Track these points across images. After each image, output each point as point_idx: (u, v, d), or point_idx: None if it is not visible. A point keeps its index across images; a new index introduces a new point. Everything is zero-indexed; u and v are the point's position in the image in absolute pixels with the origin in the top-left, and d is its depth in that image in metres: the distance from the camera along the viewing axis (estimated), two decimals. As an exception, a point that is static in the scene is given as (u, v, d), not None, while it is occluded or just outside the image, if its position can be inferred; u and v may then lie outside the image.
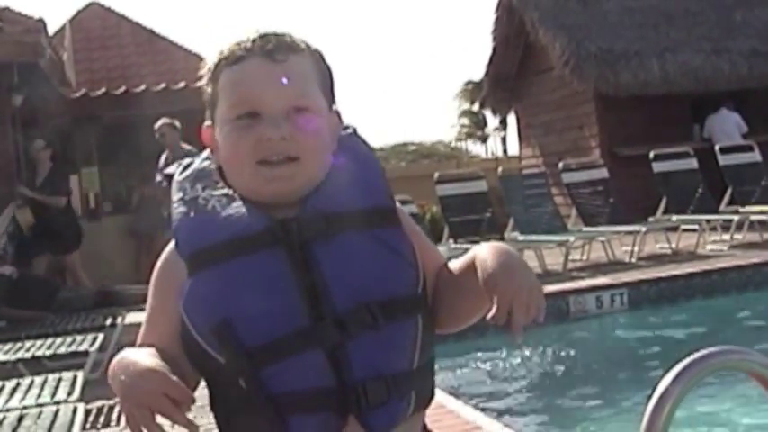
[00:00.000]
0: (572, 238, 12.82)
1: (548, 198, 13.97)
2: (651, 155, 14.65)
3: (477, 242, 11.75)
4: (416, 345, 1.89)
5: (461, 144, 64.37)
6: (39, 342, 8.21)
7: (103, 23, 20.24)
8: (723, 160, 14.96)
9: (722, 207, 14.37)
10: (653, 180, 14.48)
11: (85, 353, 7.59)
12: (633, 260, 12.67)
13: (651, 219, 13.83)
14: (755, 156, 15.10)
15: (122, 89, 15.93)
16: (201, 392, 1.93)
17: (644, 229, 12.98)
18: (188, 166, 2.04)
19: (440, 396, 6.12)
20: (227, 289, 1.83)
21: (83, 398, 5.66)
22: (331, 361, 1.81)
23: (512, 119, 27.20)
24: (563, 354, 9.11)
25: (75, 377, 6.26)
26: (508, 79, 22.35)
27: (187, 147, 12.97)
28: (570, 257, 12.69)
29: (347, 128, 2.07)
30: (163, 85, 15.86)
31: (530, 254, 12.78)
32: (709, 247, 13.30)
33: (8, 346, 8.34)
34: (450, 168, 25.23)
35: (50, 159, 13.26)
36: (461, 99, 64.82)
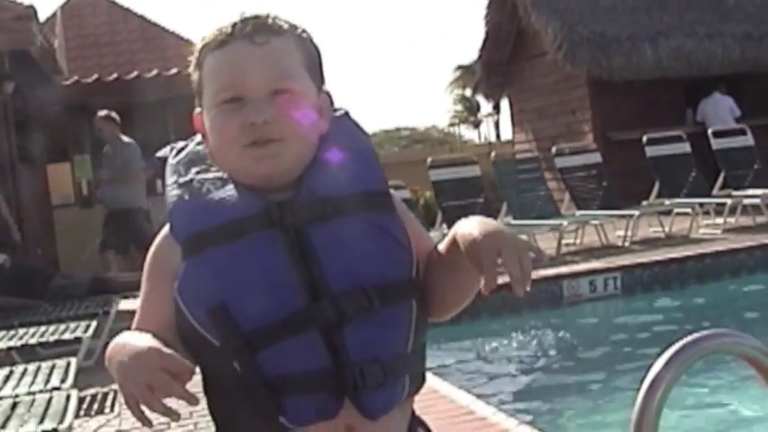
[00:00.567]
0: (565, 223, 12.82)
1: (541, 183, 13.97)
2: (644, 139, 14.65)
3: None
4: (411, 328, 1.89)
5: (454, 129, 64.29)
6: (32, 330, 8.21)
7: (95, 10, 20.19)
8: (716, 144, 14.98)
9: (715, 191, 14.41)
10: (646, 164, 14.49)
11: (79, 340, 7.59)
12: (626, 244, 12.68)
13: (644, 203, 13.85)
14: (748, 139, 15.11)
15: (114, 76, 15.89)
16: (195, 378, 1.93)
17: (637, 213, 12.99)
18: (182, 149, 2.04)
19: (432, 381, 6.13)
20: (224, 272, 1.83)
21: (76, 385, 5.67)
22: (327, 343, 1.81)
23: (505, 104, 27.16)
24: (556, 338, 9.13)
25: (68, 364, 6.26)
26: (501, 64, 22.34)
27: (126, 139, 13.01)
28: (564, 242, 12.70)
29: (338, 110, 2.06)
30: (155, 72, 15.82)
31: (523, 238, 12.77)
32: (702, 230, 13.31)
33: (1, 334, 8.33)
34: (444, 153, 25.25)
35: None
36: (454, 84, 64.72)
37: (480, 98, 35.31)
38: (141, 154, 12.74)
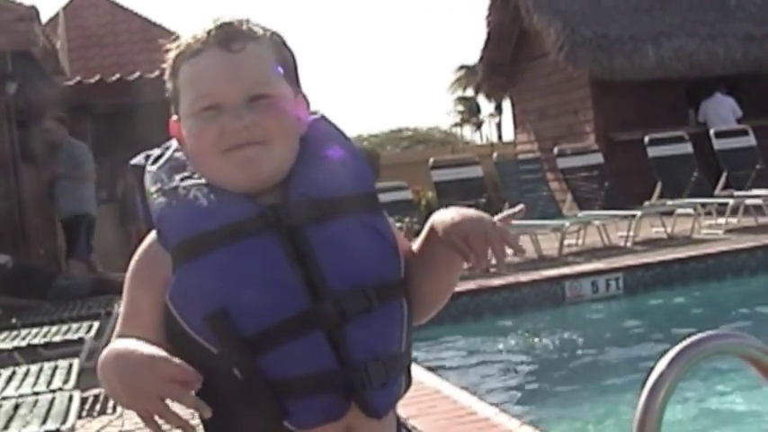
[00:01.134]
0: (567, 223, 12.83)
1: (543, 183, 13.99)
2: (646, 140, 14.66)
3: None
4: (404, 327, 1.91)
5: (456, 130, 64.32)
6: (34, 330, 8.21)
7: (97, 11, 20.20)
8: (718, 144, 14.98)
9: (717, 191, 14.39)
10: (648, 165, 14.49)
11: (81, 341, 7.58)
12: (628, 245, 12.67)
13: (646, 203, 13.83)
14: (750, 140, 15.11)
15: (116, 77, 15.90)
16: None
17: (639, 213, 12.98)
18: (159, 156, 2.01)
19: (434, 381, 6.13)
20: (220, 277, 1.81)
21: (79, 386, 5.67)
22: (331, 343, 1.81)
23: (507, 104, 27.17)
24: (559, 338, 9.12)
25: (70, 365, 6.26)
26: (503, 65, 22.35)
27: (78, 142, 12.91)
28: (566, 242, 12.69)
29: (315, 113, 2.06)
30: (157, 73, 15.80)
31: (525, 239, 12.78)
32: (704, 231, 13.30)
33: (4, 334, 8.33)
34: (446, 154, 25.24)
35: None
36: (456, 85, 64.76)
37: (482, 99, 35.34)
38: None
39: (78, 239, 12.78)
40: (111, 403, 6.75)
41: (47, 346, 7.66)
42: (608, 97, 18.96)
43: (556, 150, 14.61)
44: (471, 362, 8.60)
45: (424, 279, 1.99)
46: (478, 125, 65.39)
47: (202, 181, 1.92)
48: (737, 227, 13.37)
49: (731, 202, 13.54)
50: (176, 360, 1.70)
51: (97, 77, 16.03)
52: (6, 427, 4.95)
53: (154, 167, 1.98)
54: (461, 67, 62.01)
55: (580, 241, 13.39)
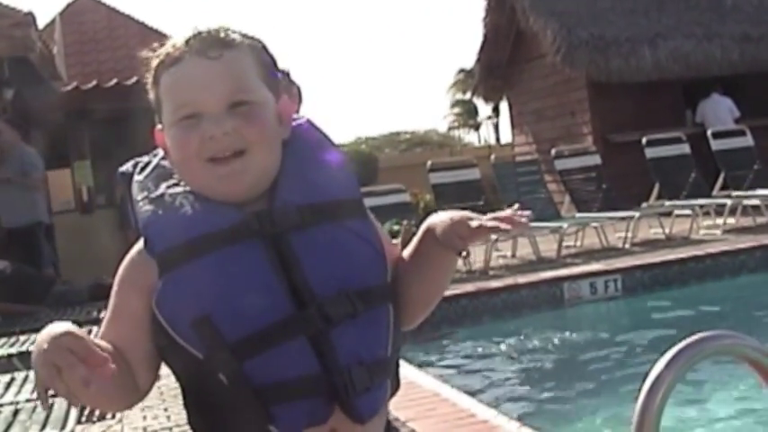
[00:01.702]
0: (565, 225, 12.83)
1: (541, 185, 13.99)
2: (643, 141, 14.67)
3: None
4: (390, 333, 1.92)
5: (454, 132, 64.34)
6: (33, 336, 8.20)
7: (94, 17, 20.21)
8: (715, 145, 14.99)
9: (715, 192, 14.41)
10: (646, 166, 14.50)
11: (80, 346, 7.57)
12: (627, 246, 12.68)
13: (644, 204, 13.84)
14: (748, 140, 15.12)
15: (114, 81, 15.90)
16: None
17: (637, 214, 12.99)
18: (146, 165, 2.03)
19: (434, 384, 6.13)
20: (205, 283, 1.82)
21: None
22: (315, 348, 1.82)
23: (504, 106, 27.19)
24: (557, 340, 9.12)
25: (69, 371, 6.25)
26: (500, 67, 22.36)
27: (29, 148, 12.54)
28: (564, 244, 12.70)
29: (299, 118, 2.08)
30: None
31: (523, 241, 12.80)
32: (702, 231, 13.31)
33: (3, 340, 8.35)
34: (443, 156, 25.30)
35: None
36: (454, 88, 64.79)
37: (479, 101, 35.37)
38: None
39: (41, 249, 12.50)
40: (110, 408, 6.73)
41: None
42: (605, 99, 18.96)
43: (553, 152, 14.62)
44: (470, 364, 8.60)
45: (415, 282, 2.02)
46: (476, 127, 65.40)
47: (188, 189, 1.93)
48: (736, 227, 13.38)
49: (729, 202, 13.54)
50: (82, 335, 1.67)
51: (94, 83, 16.03)
52: (6, 432, 4.96)
53: (141, 176, 2.00)
54: (461, 71, 62.05)
55: (578, 243, 13.40)
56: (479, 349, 9.04)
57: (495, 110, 53.62)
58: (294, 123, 2.04)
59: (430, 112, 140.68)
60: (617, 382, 7.41)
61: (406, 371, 6.37)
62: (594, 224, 13.15)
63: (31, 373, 6.33)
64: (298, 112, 2.12)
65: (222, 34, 1.94)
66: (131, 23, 20.05)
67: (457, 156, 24.00)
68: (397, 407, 5.42)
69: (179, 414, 1.86)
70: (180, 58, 1.92)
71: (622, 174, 15.70)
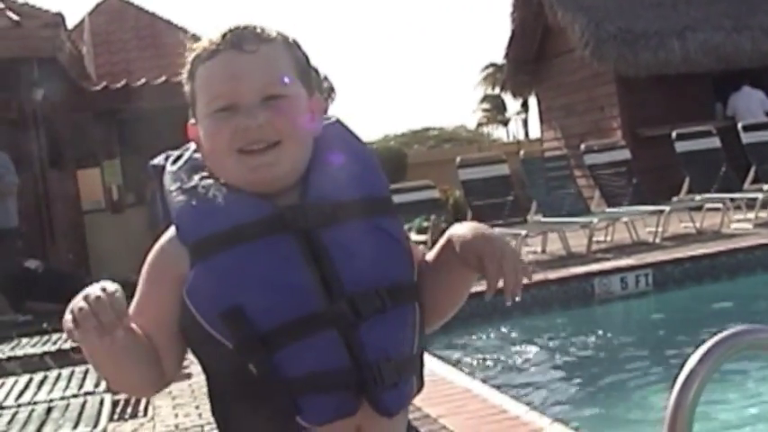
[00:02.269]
0: (595, 220, 12.78)
1: (570, 180, 13.93)
2: (673, 134, 14.57)
3: (499, 226, 11.83)
4: (416, 330, 1.93)
5: (483, 128, 64.25)
6: (65, 335, 8.24)
7: (122, 16, 20.29)
8: (746, 138, 14.88)
9: (746, 185, 14.29)
10: (676, 160, 14.41)
11: (111, 344, 7.60)
12: (657, 241, 12.61)
13: (675, 199, 13.77)
14: (779, 133, 15.00)
15: (142, 81, 15.96)
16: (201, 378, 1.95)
17: (668, 209, 12.92)
18: (179, 157, 2.05)
19: (465, 380, 6.13)
20: (237, 274, 1.84)
21: (110, 389, 5.69)
22: (345, 343, 1.83)
23: (533, 102, 27.13)
24: (588, 336, 9.09)
25: (101, 369, 6.28)
26: (528, 62, 22.29)
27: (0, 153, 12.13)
28: (594, 239, 12.65)
29: (329, 118, 2.10)
30: (183, 76, 15.81)
31: (553, 236, 12.76)
32: (733, 225, 13.22)
33: (35, 339, 8.39)
34: (472, 152, 25.21)
35: None
36: (483, 83, 64.72)
37: (508, 97, 35.28)
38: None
39: (10, 255, 12.26)
40: (142, 406, 6.78)
41: (77, 349, 7.67)
42: (634, 93, 18.87)
43: (583, 147, 14.55)
44: (500, 360, 8.58)
45: (437, 287, 2.02)
46: (505, 123, 65.29)
47: (220, 181, 1.95)
48: (767, 221, 13.28)
49: (760, 196, 13.43)
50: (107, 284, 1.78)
51: (123, 82, 16.10)
52: (39, 430, 4.99)
53: (174, 167, 2.02)
54: (490, 65, 61.96)
55: (608, 238, 13.34)
56: (509, 345, 9.02)
57: (524, 105, 53.54)
58: (325, 122, 2.06)
59: (458, 108, 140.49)
60: (648, 378, 7.38)
61: (437, 367, 6.37)
62: (625, 219, 13.09)
63: (64, 371, 6.39)
64: (326, 111, 2.14)
65: (258, 29, 1.97)
66: (159, 23, 20.10)
67: (486, 152, 23.90)
68: (428, 403, 5.42)
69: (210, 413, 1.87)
70: (216, 51, 1.94)
71: (652, 168, 15.62)
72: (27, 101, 13.32)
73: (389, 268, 1.92)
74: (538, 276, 10.62)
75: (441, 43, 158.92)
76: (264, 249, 1.86)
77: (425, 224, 12.33)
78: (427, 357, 2.02)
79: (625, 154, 14.40)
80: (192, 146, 2.05)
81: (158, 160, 2.07)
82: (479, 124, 64.83)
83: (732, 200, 13.64)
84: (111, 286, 1.77)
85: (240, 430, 1.93)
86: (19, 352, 7.91)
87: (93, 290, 1.75)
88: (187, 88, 2.01)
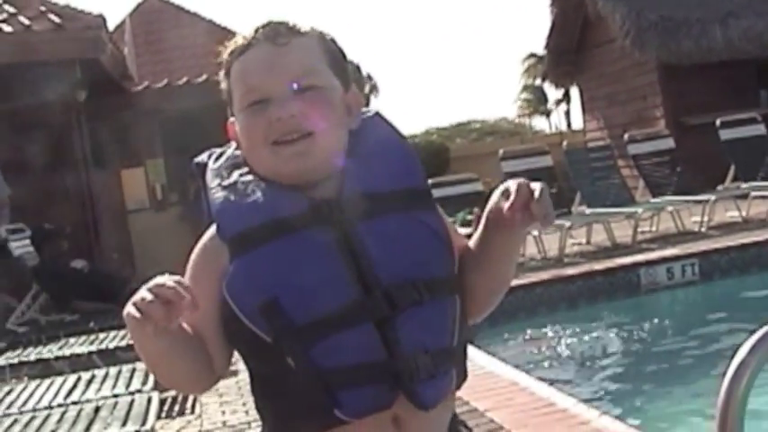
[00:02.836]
0: (640, 210, 12.70)
1: (614, 170, 13.84)
2: (717, 122, 14.42)
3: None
4: (455, 323, 1.92)
5: (524, 120, 64.03)
6: (112, 333, 8.33)
7: (162, 16, 20.41)
8: (792, 124, 14.71)
9: (793, 172, 14.14)
10: (720, 148, 14.27)
11: (158, 342, 7.66)
12: (703, 230, 12.51)
13: (720, 187, 13.64)
14: (825, 118, 14.83)
15: (184, 80, 16.04)
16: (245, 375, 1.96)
17: (713, 197, 12.81)
18: (221, 154, 2.07)
19: (511, 373, 6.10)
20: (274, 268, 1.85)
21: (157, 387, 5.72)
22: (381, 335, 1.83)
23: (575, 92, 27.02)
24: (635, 327, 9.04)
25: (148, 367, 6.32)
26: (569, 52, 22.22)
27: None
28: (639, 229, 12.57)
29: (369, 111, 2.10)
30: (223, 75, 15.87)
31: (598, 227, 12.70)
32: (780, 213, 13.09)
33: (82, 338, 8.47)
34: (515, 144, 25.14)
35: None
36: (524, 75, 64.53)
37: (550, 87, 35.12)
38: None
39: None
40: (189, 403, 6.81)
41: (125, 348, 7.75)
42: (676, 81, 18.74)
43: (626, 137, 14.45)
44: (548, 353, 8.55)
45: (479, 267, 2.01)
46: (547, 114, 65.06)
47: (260, 176, 1.96)
48: (815, 208, 13.14)
49: (807, 182, 13.29)
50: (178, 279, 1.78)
51: (165, 81, 16.19)
52: (88, 429, 5.03)
53: (216, 165, 2.04)
54: (530, 56, 61.74)
55: (654, 228, 13.25)
56: (556, 338, 8.99)
57: (566, 96, 53.31)
58: (364, 116, 2.06)
59: (499, 100, 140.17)
60: (697, 369, 7.33)
61: (484, 361, 6.35)
62: (669, 208, 12.99)
63: (112, 370, 6.44)
64: (368, 105, 2.13)
65: (291, 24, 1.98)
66: (199, 21, 20.21)
67: (528, 143, 23.83)
68: (475, 397, 5.41)
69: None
70: (250, 45, 1.96)
71: (696, 156, 15.47)
72: (71, 102, 13.42)
73: (427, 261, 1.91)
74: (583, 267, 10.58)
75: (481, 35, 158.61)
76: (301, 242, 1.87)
77: (469, 217, 12.29)
78: (473, 351, 2.01)
79: (669, 143, 14.29)
80: (234, 144, 2.06)
81: (202, 158, 2.09)
82: (520, 116, 64.62)
83: (778, 187, 13.49)
84: (172, 278, 1.78)
85: (281, 424, 1.93)
86: (67, 351, 7.98)
87: (156, 281, 1.76)
88: (224, 86, 2.03)
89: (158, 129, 16.28)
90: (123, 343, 7.82)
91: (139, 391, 5.73)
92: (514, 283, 2.30)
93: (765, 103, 18.65)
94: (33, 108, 12.90)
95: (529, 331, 9.14)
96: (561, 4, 21.38)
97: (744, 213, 13.09)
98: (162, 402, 6.20)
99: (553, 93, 58.20)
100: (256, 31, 1.97)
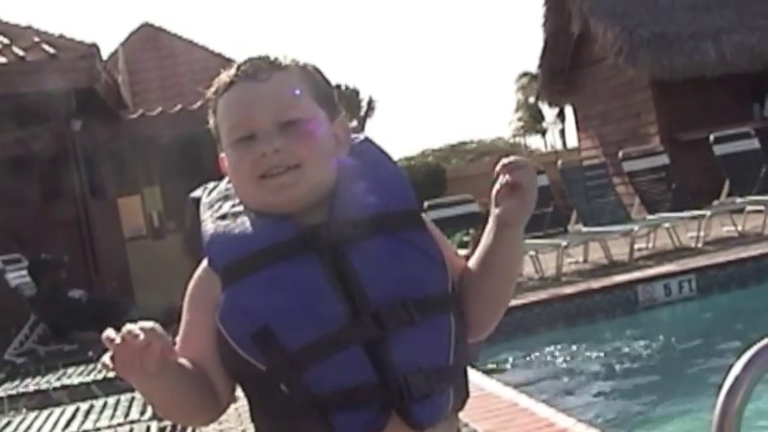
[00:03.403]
0: (636, 227, 12.72)
1: (610, 188, 13.87)
2: (711, 138, 14.44)
3: (540, 237, 11.79)
4: (451, 341, 1.92)
5: (520, 139, 64.04)
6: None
7: (156, 44, 20.43)
8: (786, 138, 14.74)
9: (788, 185, 14.15)
10: (715, 163, 14.30)
11: (157, 371, 7.64)
12: (699, 245, 12.52)
13: (715, 202, 13.66)
14: (818, 132, 14.86)
15: (179, 107, 16.06)
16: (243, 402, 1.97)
17: (709, 213, 12.83)
18: (214, 188, 2.10)
19: (511, 394, 6.10)
20: (264, 296, 1.87)
21: (155, 416, 5.71)
22: (371, 357, 1.84)
23: (569, 111, 27.08)
24: (633, 344, 9.03)
25: (147, 396, 6.31)
26: (562, 71, 22.29)
27: None
28: (636, 246, 12.59)
29: (358, 136, 2.13)
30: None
31: (595, 245, 12.71)
32: (776, 227, 13.10)
33: (81, 368, 8.45)
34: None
35: None
36: (518, 93, 64.60)
37: (544, 106, 35.15)
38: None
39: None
40: (189, 432, 6.79)
41: (123, 378, 7.73)
42: (670, 97, 18.80)
43: (621, 154, 14.48)
44: (547, 372, 8.55)
45: (480, 288, 2.02)
46: (542, 133, 65.10)
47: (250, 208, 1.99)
48: (811, 221, 13.14)
49: (803, 195, 13.30)
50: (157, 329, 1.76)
51: (159, 109, 16.21)
52: (87, 459, 5.02)
53: (208, 198, 2.08)
54: (524, 75, 61.80)
55: (650, 244, 13.28)
56: (555, 356, 8.98)
57: (561, 114, 53.37)
58: (353, 141, 2.09)
59: (495, 119, 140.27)
60: (695, 385, 7.32)
61: (483, 382, 6.35)
62: (666, 225, 13.01)
63: (110, 400, 6.43)
64: (363, 129, 2.15)
65: (272, 58, 2.02)
66: (194, 49, 20.22)
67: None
68: (475, 418, 5.40)
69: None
70: (232, 83, 2.00)
71: (691, 172, 15.53)
72: (66, 132, 13.45)
73: (417, 280, 1.92)
74: (581, 286, 10.58)
75: (474, 55, 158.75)
76: (289, 270, 1.88)
77: (466, 238, 12.30)
78: (472, 372, 2.01)
79: (664, 159, 14.32)
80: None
81: (197, 193, 2.12)
82: (515, 135, 64.63)
83: (774, 201, 13.50)
84: (146, 325, 1.77)
85: None
86: (65, 381, 7.97)
87: (129, 330, 1.75)
88: (211, 122, 2.07)
89: (154, 156, 16.31)
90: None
91: (138, 420, 5.72)
92: (512, 303, 2.31)
93: (759, 117, 18.69)
94: (29, 138, 12.92)
95: (528, 350, 9.14)
96: (553, 23, 21.46)
97: (740, 228, 13.12)
98: (161, 431, 6.19)
99: (549, 111, 58.28)
100: (238, 68, 2.00)
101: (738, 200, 13.55)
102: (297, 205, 1.94)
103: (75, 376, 8.13)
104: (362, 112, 54.83)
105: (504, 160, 2.05)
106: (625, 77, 19.47)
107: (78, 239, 13.54)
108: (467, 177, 24.33)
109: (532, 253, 11.72)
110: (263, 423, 1.97)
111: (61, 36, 13.55)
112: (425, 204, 12.10)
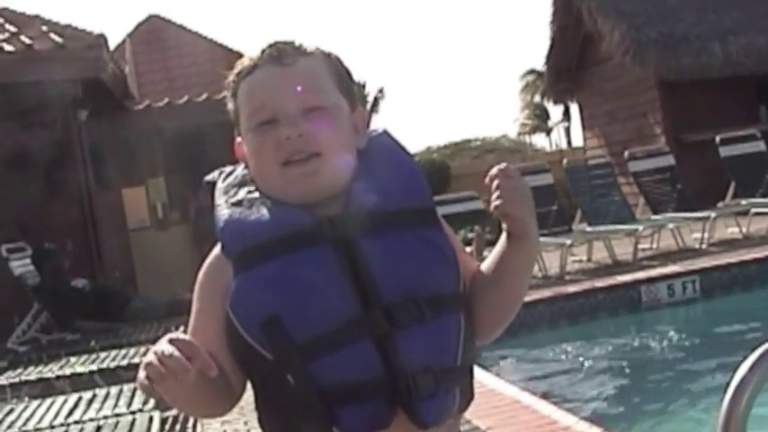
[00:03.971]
0: (641, 227, 12.70)
1: (615, 188, 13.85)
2: (717, 139, 14.43)
3: (544, 235, 11.78)
4: (459, 341, 1.91)
5: (525, 137, 63.98)
6: (113, 353, 8.32)
7: (163, 35, 20.45)
8: (792, 140, 14.71)
9: (793, 188, 14.13)
10: (720, 165, 14.27)
11: (159, 362, 7.65)
12: (704, 247, 12.51)
13: (720, 204, 13.64)
14: (825, 134, 14.83)
15: (185, 99, 16.06)
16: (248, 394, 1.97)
17: (713, 214, 12.82)
18: (231, 173, 2.08)
19: (514, 391, 6.10)
20: (275, 285, 1.86)
21: (158, 407, 5.72)
22: (380, 352, 1.83)
23: (575, 109, 27.05)
24: (636, 344, 9.03)
25: (150, 386, 6.31)
26: (569, 70, 22.26)
27: None
28: (640, 246, 12.58)
29: (376, 129, 2.11)
30: (224, 93, 15.91)
31: (599, 245, 12.70)
32: (781, 229, 13.09)
33: (83, 357, 8.46)
34: (515, 162, 25.13)
35: None
36: (524, 91, 64.51)
37: (549, 105, 35.13)
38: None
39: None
40: (190, 423, 6.80)
41: (126, 367, 7.75)
42: (677, 98, 18.77)
43: (626, 154, 14.46)
44: (549, 370, 8.55)
45: (491, 291, 2.01)
46: (548, 132, 65.03)
47: (267, 195, 1.97)
48: (816, 224, 13.13)
49: (808, 198, 13.28)
50: (183, 336, 1.74)
51: (166, 100, 16.21)
52: (89, 449, 5.02)
53: (224, 183, 2.06)
54: (530, 72, 61.73)
55: (654, 245, 13.26)
56: (558, 355, 8.98)
57: (566, 113, 53.31)
58: (371, 134, 2.08)
59: (500, 117, 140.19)
60: (698, 386, 7.32)
61: (486, 379, 6.35)
62: (670, 225, 12.99)
63: (113, 389, 6.43)
64: (370, 124, 2.15)
65: (297, 44, 2.00)
66: (200, 41, 20.24)
67: (529, 161, 23.84)
68: (478, 415, 5.40)
69: (258, 429, 1.89)
70: (256, 66, 1.98)
71: (697, 173, 15.51)
72: (72, 121, 13.45)
73: (430, 278, 1.90)
74: (585, 285, 10.57)
75: (480, 53, 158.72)
76: (302, 260, 1.87)
77: (470, 235, 12.29)
78: (475, 369, 2.00)
79: (669, 160, 14.29)
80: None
81: (212, 176, 2.10)
82: (521, 133, 64.56)
83: (779, 203, 13.49)
84: (181, 337, 1.75)
85: None
86: (68, 371, 7.97)
87: (163, 347, 1.72)
88: (231, 106, 2.04)
89: (160, 148, 16.30)
90: (125, 362, 7.82)
91: (141, 410, 5.72)
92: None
93: (765, 119, 18.66)
94: (35, 127, 12.92)
95: (531, 348, 9.14)
96: (561, 21, 21.42)
97: (744, 230, 13.10)
98: (163, 422, 6.18)
99: (555, 111, 58.23)
100: (263, 52, 1.98)
101: (743, 202, 13.52)
102: (316, 195, 1.93)
103: (77, 365, 8.14)
104: (369, 106, 54.80)
105: (487, 178, 1.98)
106: (632, 77, 19.45)
107: (82, 229, 13.53)
108: (471, 174, 24.28)
109: (536, 251, 11.70)
110: (268, 415, 1.95)
111: (69, 26, 13.55)
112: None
